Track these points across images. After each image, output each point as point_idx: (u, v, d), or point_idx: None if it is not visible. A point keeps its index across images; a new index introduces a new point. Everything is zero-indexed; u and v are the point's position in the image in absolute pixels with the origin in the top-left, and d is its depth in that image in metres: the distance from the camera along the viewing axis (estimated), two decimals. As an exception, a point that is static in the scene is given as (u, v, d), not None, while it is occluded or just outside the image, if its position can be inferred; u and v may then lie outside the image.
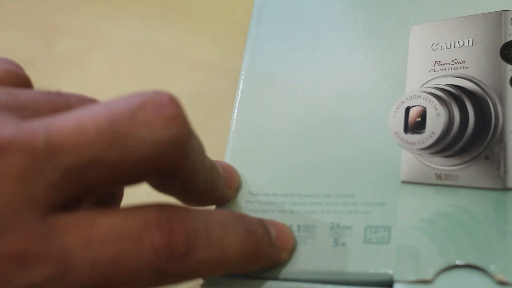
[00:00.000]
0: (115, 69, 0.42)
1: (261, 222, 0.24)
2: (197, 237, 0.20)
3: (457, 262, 0.22)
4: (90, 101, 0.22)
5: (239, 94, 0.29)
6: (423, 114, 0.25)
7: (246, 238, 0.22)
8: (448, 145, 0.25)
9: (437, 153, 0.25)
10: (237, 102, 0.29)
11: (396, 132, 0.25)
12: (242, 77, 0.29)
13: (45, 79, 0.42)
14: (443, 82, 0.26)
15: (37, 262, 0.18)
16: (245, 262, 0.22)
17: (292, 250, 0.24)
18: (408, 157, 0.25)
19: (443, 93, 0.25)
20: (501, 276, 0.21)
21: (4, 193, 0.18)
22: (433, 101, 0.25)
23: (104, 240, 0.19)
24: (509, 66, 0.25)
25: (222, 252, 0.21)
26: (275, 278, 0.24)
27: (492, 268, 0.22)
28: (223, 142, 0.28)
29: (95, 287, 0.19)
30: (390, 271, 0.23)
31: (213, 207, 0.26)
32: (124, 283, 0.19)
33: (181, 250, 0.20)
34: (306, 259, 0.24)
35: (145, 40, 0.42)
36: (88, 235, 0.19)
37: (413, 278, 0.22)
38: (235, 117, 0.28)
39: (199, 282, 0.25)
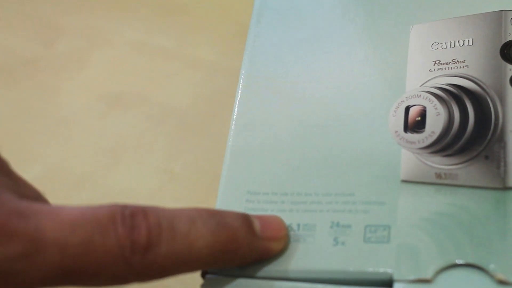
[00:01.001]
0: (115, 69, 0.42)
1: (240, 216, 0.23)
2: (161, 233, 0.21)
3: (457, 261, 0.22)
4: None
5: (239, 93, 0.29)
6: (423, 114, 0.25)
7: (216, 231, 0.22)
8: (448, 144, 0.24)
9: (437, 152, 0.25)
10: (237, 101, 0.29)
11: (396, 131, 0.25)
12: (242, 76, 0.29)
13: (45, 79, 0.41)
14: (443, 81, 0.26)
15: (13, 237, 0.19)
16: (220, 256, 0.23)
17: (284, 238, 0.24)
18: (408, 156, 0.25)
19: (443, 92, 0.25)
20: (501, 276, 0.21)
21: None
22: (433, 100, 0.25)
23: (74, 225, 0.20)
24: (509, 66, 0.25)
25: (189, 246, 0.22)
26: (275, 277, 0.24)
27: (492, 267, 0.21)
28: (223, 142, 0.28)
29: (64, 271, 0.20)
30: (389, 270, 0.23)
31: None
32: (91, 272, 0.20)
33: (143, 244, 0.21)
34: (306, 258, 0.24)
35: (145, 40, 0.42)
36: (59, 218, 0.20)
37: (412, 277, 0.22)
38: (235, 116, 0.28)
39: (199, 282, 0.25)
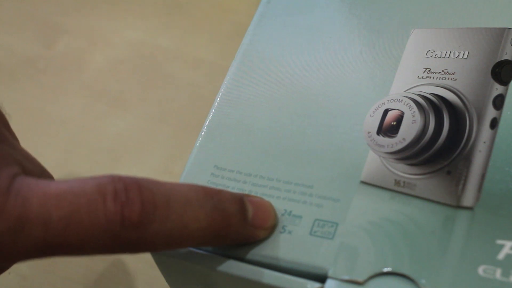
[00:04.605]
0: (115, 69, 0.41)
1: (238, 199, 0.23)
2: (155, 211, 0.21)
3: (391, 270, 0.22)
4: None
5: (232, 69, 0.29)
6: (399, 119, 0.25)
7: (211, 215, 0.22)
8: (414, 154, 0.24)
9: (402, 159, 0.24)
10: (228, 77, 0.29)
11: (368, 132, 0.25)
12: (239, 53, 0.29)
13: (45, 79, 0.42)
14: (428, 90, 0.25)
15: (0, 214, 0.19)
16: (210, 239, 0.22)
17: (270, 228, 0.24)
18: (373, 159, 0.24)
19: (425, 101, 0.25)
20: (428, 291, 0.21)
21: None
22: (412, 107, 0.25)
23: (59, 198, 0.20)
24: (496, 85, 0.24)
25: (183, 227, 0.21)
26: (217, 253, 0.24)
27: (422, 282, 0.21)
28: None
29: (47, 245, 0.20)
30: (326, 267, 0.22)
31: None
32: (76, 245, 0.20)
33: (134, 221, 0.20)
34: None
35: (145, 40, 0.42)
36: (45, 192, 0.20)
37: (346, 277, 0.22)
38: (222, 91, 0.28)
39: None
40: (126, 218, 0.20)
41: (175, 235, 0.21)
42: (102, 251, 0.21)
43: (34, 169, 0.23)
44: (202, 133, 0.27)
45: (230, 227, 0.23)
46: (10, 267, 0.26)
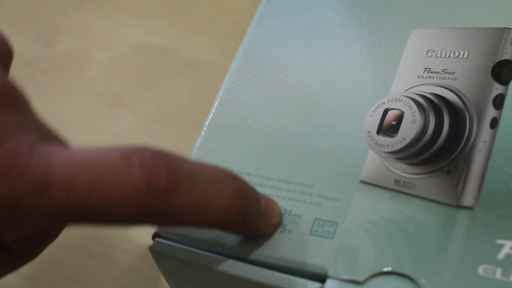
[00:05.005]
0: (115, 69, 0.42)
1: (254, 190, 0.23)
2: (182, 182, 0.20)
3: (391, 269, 0.22)
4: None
5: (232, 68, 0.29)
6: (399, 118, 0.25)
7: (235, 196, 0.22)
8: (414, 153, 0.24)
9: (402, 159, 0.24)
10: (228, 76, 0.29)
11: (368, 132, 0.25)
12: (239, 53, 0.29)
13: (45, 79, 0.42)
14: (428, 89, 0.25)
15: (23, 175, 0.19)
16: (230, 220, 0.22)
17: (276, 226, 0.24)
18: (373, 158, 0.24)
19: (425, 100, 0.25)
20: (428, 291, 0.21)
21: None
22: (412, 107, 0.25)
23: (83, 163, 0.19)
24: (496, 85, 0.24)
25: (207, 202, 0.21)
26: (217, 252, 0.24)
27: (422, 281, 0.21)
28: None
29: (70, 210, 0.19)
30: (326, 266, 0.22)
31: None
32: (101, 211, 0.19)
33: (161, 190, 0.20)
34: (251, 239, 0.24)
35: (145, 40, 0.42)
36: (70, 156, 0.20)
37: (346, 277, 0.22)
38: (221, 91, 0.28)
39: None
40: (153, 186, 0.20)
41: (200, 209, 0.21)
42: (127, 220, 0.20)
43: (57, 142, 0.22)
44: (202, 133, 0.27)
45: (249, 212, 0.22)
46: (41, 250, 0.25)
